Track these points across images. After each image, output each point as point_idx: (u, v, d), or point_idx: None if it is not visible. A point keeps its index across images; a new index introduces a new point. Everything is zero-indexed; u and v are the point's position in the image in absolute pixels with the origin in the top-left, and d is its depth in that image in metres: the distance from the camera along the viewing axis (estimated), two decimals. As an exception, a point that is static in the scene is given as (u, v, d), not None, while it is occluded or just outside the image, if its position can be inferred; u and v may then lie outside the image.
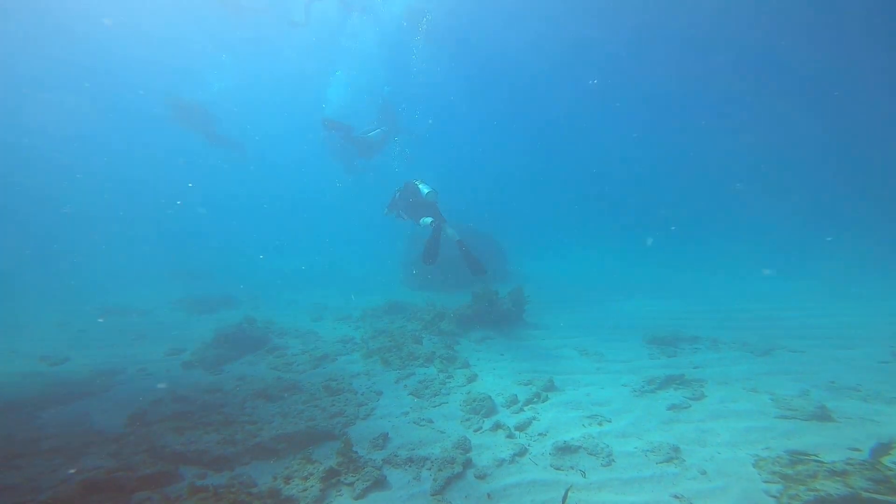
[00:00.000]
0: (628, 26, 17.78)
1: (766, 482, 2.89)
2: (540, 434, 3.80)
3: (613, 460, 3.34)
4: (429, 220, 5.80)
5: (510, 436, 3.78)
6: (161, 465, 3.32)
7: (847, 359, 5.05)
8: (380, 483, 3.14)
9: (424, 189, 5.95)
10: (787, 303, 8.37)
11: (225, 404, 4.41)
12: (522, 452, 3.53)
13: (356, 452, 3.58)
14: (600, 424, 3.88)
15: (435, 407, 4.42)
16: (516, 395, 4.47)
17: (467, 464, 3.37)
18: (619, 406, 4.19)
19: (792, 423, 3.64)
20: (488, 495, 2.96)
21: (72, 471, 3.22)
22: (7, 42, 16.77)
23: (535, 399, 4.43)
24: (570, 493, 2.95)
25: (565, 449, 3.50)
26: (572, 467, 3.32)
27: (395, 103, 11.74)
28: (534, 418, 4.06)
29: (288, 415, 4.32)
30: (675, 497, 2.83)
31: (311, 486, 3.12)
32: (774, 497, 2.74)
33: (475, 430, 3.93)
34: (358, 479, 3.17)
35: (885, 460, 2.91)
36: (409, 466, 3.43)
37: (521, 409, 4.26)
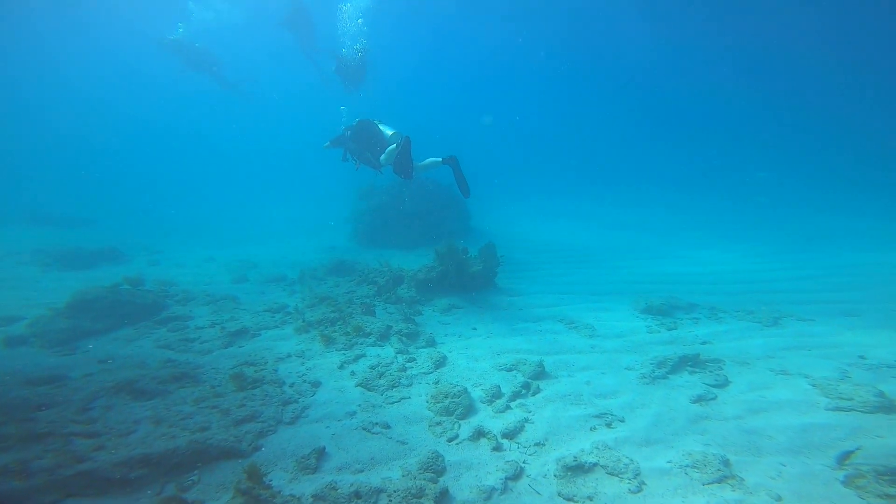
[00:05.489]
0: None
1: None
2: (537, 444, 2.78)
3: (644, 483, 2.41)
4: (392, 145, 5.12)
5: (497, 447, 2.74)
6: None
7: (861, 327, 4.56)
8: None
9: (388, 131, 5.33)
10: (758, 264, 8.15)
11: (51, 403, 2.85)
12: (517, 475, 2.51)
13: (269, 483, 2.33)
14: (612, 427, 2.94)
15: (392, 404, 3.24)
16: (499, 387, 3.40)
17: (442, 497, 2.33)
18: (629, 398, 3.28)
19: (853, 416, 2.91)
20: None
21: None
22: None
23: (524, 391, 3.40)
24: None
25: (576, 468, 2.52)
26: (590, 497, 2.34)
27: (309, 7, 9.50)
28: (526, 420, 3.03)
29: (164, 420, 2.89)
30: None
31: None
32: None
33: (449, 441, 2.83)
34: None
35: None
36: (354, 507, 2.27)
37: (508, 407, 3.22)
